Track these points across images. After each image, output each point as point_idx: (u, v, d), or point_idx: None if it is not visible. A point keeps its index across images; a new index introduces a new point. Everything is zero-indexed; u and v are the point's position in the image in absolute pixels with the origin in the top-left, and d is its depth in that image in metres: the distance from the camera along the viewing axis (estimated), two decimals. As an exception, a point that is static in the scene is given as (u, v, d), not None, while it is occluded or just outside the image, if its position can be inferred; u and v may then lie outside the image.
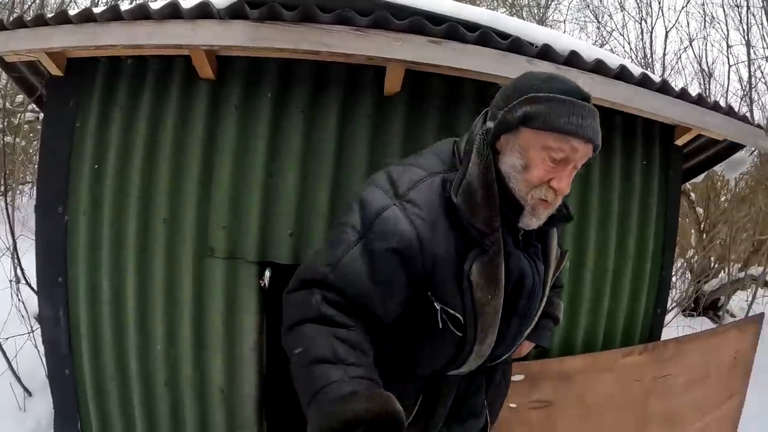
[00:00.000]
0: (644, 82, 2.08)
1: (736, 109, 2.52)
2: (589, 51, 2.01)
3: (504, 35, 1.86)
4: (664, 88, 2.15)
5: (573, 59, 1.92)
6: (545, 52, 1.88)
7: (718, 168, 2.85)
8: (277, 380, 2.23)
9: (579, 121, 1.06)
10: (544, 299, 1.33)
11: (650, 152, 2.38)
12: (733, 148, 2.74)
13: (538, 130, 1.07)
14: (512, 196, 1.13)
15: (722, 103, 2.44)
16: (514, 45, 1.82)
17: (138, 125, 2.08)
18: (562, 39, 1.99)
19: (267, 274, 1.93)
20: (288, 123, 1.94)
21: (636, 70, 2.11)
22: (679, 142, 2.43)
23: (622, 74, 2.02)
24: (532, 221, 1.14)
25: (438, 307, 1.14)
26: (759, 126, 2.72)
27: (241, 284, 1.97)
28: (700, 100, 2.30)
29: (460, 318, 1.15)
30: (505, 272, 1.16)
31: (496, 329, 1.19)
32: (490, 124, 1.14)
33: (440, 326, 1.15)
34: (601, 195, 2.28)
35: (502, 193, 1.13)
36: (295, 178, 1.93)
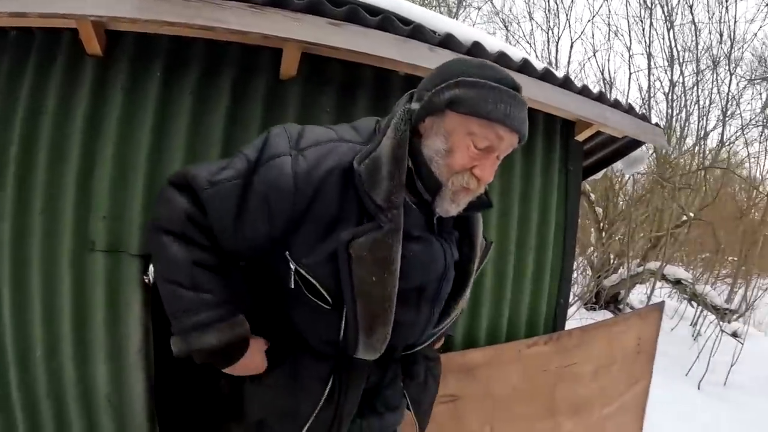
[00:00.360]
0: (547, 76, 2.13)
1: (636, 115, 2.65)
2: (493, 43, 2.03)
3: (407, 21, 1.84)
4: (566, 83, 2.21)
5: (475, 50, 1.93)
6: (447, 41, 1.87)
7: (617, 165, 2.99)
8: (168, 384, 2.10)
9: (507, 109, 1.06)
10: (466, 290, 1.31)
11: (551, 147, 2.45)
12: (632, 146, 2.88)
13: (464, 115, 1.06)
14: (432, 178, 1.11)
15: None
16: (416, 31, 1.79)
17: (18, 105, 1.88)
18: (465, 30, 2.00)
19: (152, 268, 1.80)
20: (176, 106, 1.82)
21: (539, 64, 2.16)
22: (580, 137, 2.51)
23: (524, 67, 2.06)
24: (451, 207, 1.14)
25: (292, 267, 1.10)
26: (657, 124, 2.88)
27: (125, 279, 1.82)
28: (601, 97, 2.39)
29: (318, 286, 1.10)
30: (410, 256, 1.12)
31: (388, 322, 1.13)
32: (415, 105, 1.12)
33: (292, 286, 1.11)
34: (502, 187, 2.31)
35: (421, 175, 1.12)
36: (181, 165, 1.79)
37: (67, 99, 1.86)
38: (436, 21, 1.96)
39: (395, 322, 1.15)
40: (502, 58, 1.99)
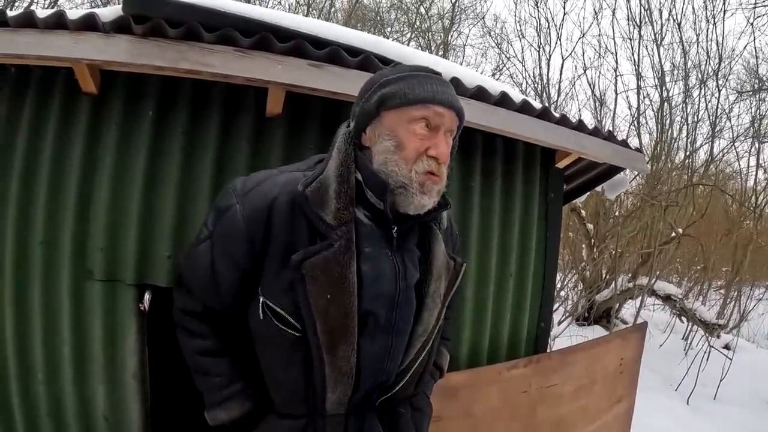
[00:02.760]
0: (525, 108, 2.21)
1: (626, 133, 2.73)
2: (471, 77, 2.11)
3: (386, 61, 1.92)
4: (544, 114, 2.29)
5: (455, 85, 1.99)
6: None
7: (599, 188, 3.07)
8: (164, 405, 2.18)
9: (434, 88, 1.13)
10: (432, 317, 1.23)
11: (531, 174, 2.53)
12: (615, 169, 2.96)
13: (398, 108, 1.12)
14: (382, 185, 1.13)
15: (611, 127, 2.64)
16: (395, 71, 1.88)
17: (17, 141, 1.97)
18: (444, 64, 2.09)
19: (147, 297, 1.88)
20: (168, 143, 1.90)
21: (517, 96, 2.24)
22: (560, 164, 2.59)
23: (503, 101, 2.14)
24: (423, 199, 1.13)
25: (260, 300, 1.14)
26: (638, 149, 2.96)
27: (121, 307, 1.89)
28: (580, 126, 2.47)
29: (283, 313, 1.12)
30: (362, 273, 1.13)
31: (350, 338, 1.11)
32: (352, 124, 1.19)
33: (261, 318, 1.15)
34: (482, 215, 2.38)
35: (371, 186, 1.14)
36: (173, 199, 1.89)
37: (65, 135, 1.94)
38: (415, 57, 2.04)
39: (357, 349, 1.13)
40: (480, 92, 2.07)
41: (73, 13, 1.83)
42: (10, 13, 1.79)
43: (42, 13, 1.82)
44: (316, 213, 1.10)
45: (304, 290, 1.08)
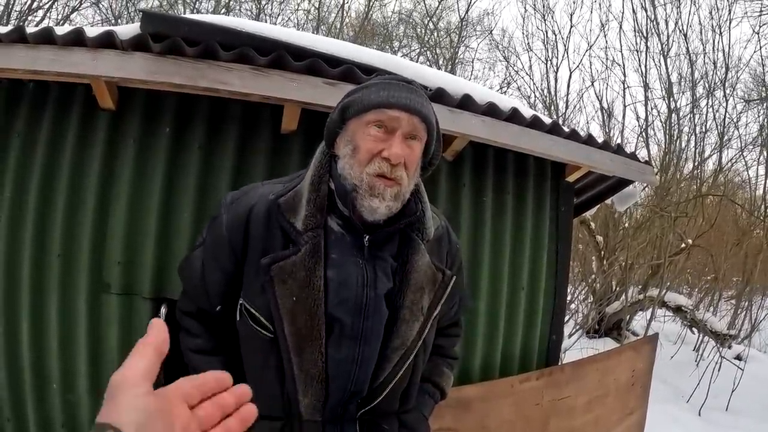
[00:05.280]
0: (535, 124, 2.23)
1: (634, 144, 2.74)
2: (482, 94, 2.13)
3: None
4: (554, 129, 2.31)
5: (466, 102, 2.04)
6: (440, 95, 1.99)
7: (609, 201, 3.07)
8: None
9: (389, 93, 1.12)
10: (412, 330, 1.20)
11: (542, 188, 2.54)
12: (624, 182, 2.97)
13: (357, 115, 1.14)
14: (345, 191, 1.14)
15: (620, 138, 2.65)
16: (408, 87, 1.91)
17: (36, 155, 2.01)
18: (458, 83, 2.11)
19: (163, 310, 1.91)
20: (185, 159, 1.94)
21: (528, 112, 2.26)
22: (570, 178, 2.60)
23: (513, 117, 2.16)
24: (374, 202, 1.10)
25: (240, 302, 1.21)
26: (647, 162, 2.97)
27: (137, 320, 1.93)
28: (590, 140, 2.48)
29: (256, 314, 1.16)
30: (327, 278, 1.14)
31: (316, 341, 1.13)
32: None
33: (239, 318, 1.21)
34: (494, 229, 2.40)
35: (341, 194, 1.16)
36: (191, 214, 1.92)
37: (83, 150, 1.98)
38: (428, 75, 2.07)
39: (326, 356, 1.14)
40: (491, 108, 2.10)
41: (91, 31, 1.87)
42: (29, 30, 1.82)
43: (60, 30, 1.86)
44: (288, 220, 1.14)
45: (273, 292, 1.13)
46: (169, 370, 1.99)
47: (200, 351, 1.29)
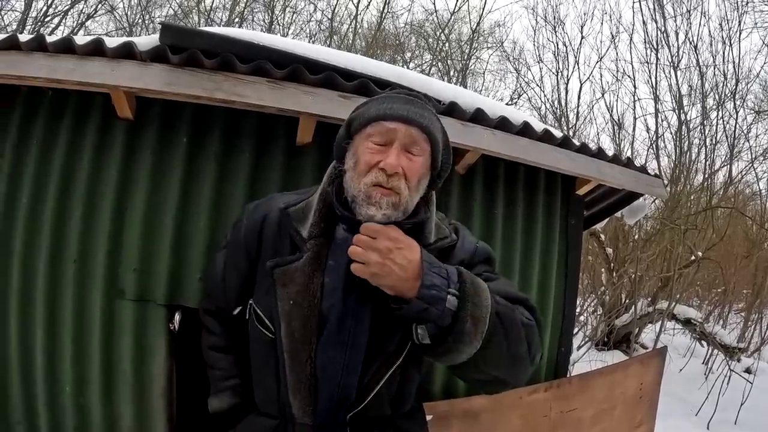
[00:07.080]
0: (545, 137, 2.25)
1: (644, 156, 2.75)
2: (493, 108, 2.16)
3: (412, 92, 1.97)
4: (564, 143, 2.33)
5: (477, 115, 2.06)
6: (452, 109, 2.02)
7: (619, 214, 3.07)
8: (188, 425, 2.21)
9: (391, 105, 1.17)
10: (387, 332, 1.19)
11: (552, 202, 2.56)
12: (635, 195, 2.97)
13: (360, 130, 1.18)
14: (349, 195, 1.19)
15: (630, 151, 2.66)
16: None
17: (53, 162, 2.05)
18: (467, 96, 2.14)
19: (177, 317, 1.93)
20: (201, 169, 1.97)
21: (538, 126, 2.28)
22: (581, 191, 2.61)
23: (525, 130, 2.18)
24: (370, 210, 1.12)
25: (250, 302, 1.30)
26: (656, 175, 2.97)
27: (151, 327, 1.95)
28: (600, 153, 2.49)
29: (261, 315, 1.25)
30: (324, 284, 1.19)
31: (308, 345, 1.17)
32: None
33: (247, 317, 1.32)
34: (504, 242, 2.41)
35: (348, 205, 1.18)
36: (206, 224, 1.95)
37: (100, 158, 2.02)
38: (440, 88, 2.09)
39: (316, 359, 1.17)
40: (503, 122, 2.12)
41: (110, 41, 1.91)
42: (49, 39, 1.85)
43: (79, 39, 1.90)
44: (296, 228, 1.23)
45: (275, 294, 1.21)
46: (182, 371, 2.01)
47: (214, 348, 1.44)
